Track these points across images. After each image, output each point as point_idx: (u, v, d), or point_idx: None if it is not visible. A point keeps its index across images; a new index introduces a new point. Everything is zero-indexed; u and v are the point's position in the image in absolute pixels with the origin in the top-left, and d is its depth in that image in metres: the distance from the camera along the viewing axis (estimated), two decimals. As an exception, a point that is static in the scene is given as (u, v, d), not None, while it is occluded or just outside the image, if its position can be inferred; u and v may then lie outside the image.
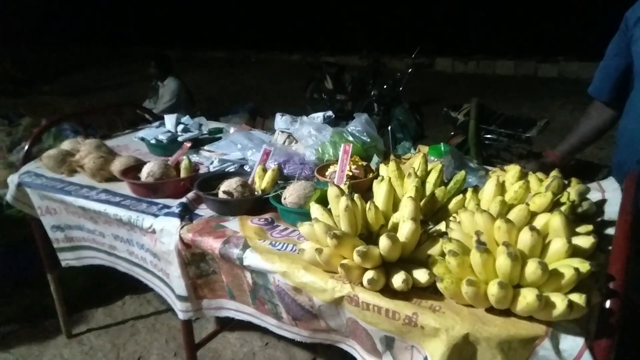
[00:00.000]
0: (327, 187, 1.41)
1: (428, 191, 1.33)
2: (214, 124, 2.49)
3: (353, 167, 1.62)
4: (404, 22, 11.10)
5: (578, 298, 0.91)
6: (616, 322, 0.93)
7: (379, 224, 1.19)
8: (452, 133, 4.07)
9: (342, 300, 1.11)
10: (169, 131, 2.13)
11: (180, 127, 2.16)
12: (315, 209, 1.24)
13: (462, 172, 1.39)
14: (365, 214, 1.19)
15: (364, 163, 1.69)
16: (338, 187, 1.23)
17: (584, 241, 1.04)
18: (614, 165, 1.61)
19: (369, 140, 1.78)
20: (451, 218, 1.23)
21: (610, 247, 1.14)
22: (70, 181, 1.82)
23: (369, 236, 1.19)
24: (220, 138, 2.22)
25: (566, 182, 1.39)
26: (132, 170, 1.75)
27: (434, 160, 1.57)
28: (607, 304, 0.94)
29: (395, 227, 1.16)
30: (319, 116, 2.08)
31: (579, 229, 1.14)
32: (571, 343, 0.93)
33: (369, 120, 1.85)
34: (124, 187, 1.74)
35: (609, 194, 1.45)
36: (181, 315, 1.50)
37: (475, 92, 6.31)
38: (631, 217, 1.08)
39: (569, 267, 0.93)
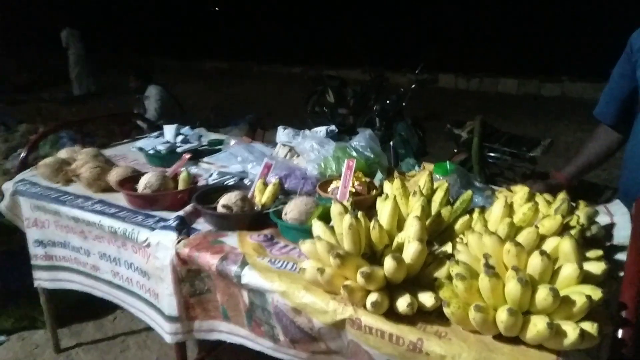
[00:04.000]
0: (330, 203, 1.37)
1: (434, 210, 1.29)
2: (213, 135, 2.46)
3: (356, 183, 1.59)
4: (408, 37, 11.18)
5: (590, 327, 0.88)
6: (629, 352, 0.89)
7: (383, 243, 1.15)
8: (455, 150, 4.04)
9: (344, 323, 1.06)
10: (167, 142, 2.10)
11: (180, 137, 2.13)
12: (317, 226, 1.20)
13: (469, 192, 1.35)
14: (369, 233, 1.15)
15: (367, 179, 1.65)
16: (342, 204, 1.20)
17: (595, 267, 1.00)
18: (621, 189, 1.58)
19: (372, 156, 1.75)
20: (458, 239, 1.19)
21: (620, 274, 1.11)
22: (66, 191, 1.78)
23: (373, 256, 1.15)
24: (220, 150, 2.19)
25: (573, 204, 1.37)
26: (129, 181, 1.71)
27: (439, 179, 1.54)
28: (620, 333, 0.90)
29: (400, 248, 1.12)
30: (321, 130, 2.05)
31: (589, 254, 1.10)
32: (582, 374, 0.88)
33: (373, 136, 1.82)
34: (120, 199, 1.69)
35: (618, 217, 1.41)
36: (169, 338, 1.44)
37: (478, 109, 6.31)
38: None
39: (581, 295, 0.89)
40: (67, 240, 1.71)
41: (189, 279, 1.37)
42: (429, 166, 1.75)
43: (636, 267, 0.97)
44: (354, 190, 1.56)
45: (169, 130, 2.15)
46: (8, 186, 1.90)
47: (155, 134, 2.21)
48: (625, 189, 1.53)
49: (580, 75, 7.70)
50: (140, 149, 2.07)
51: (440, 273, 1.06)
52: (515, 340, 0.93)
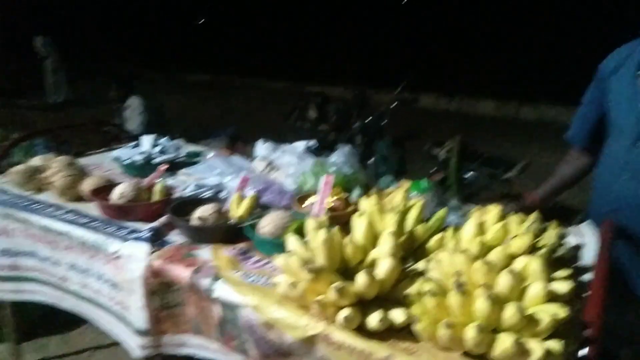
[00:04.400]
0: (306, 218, 1.38)
1: (408, 227, 1.31)
2: (192, 147, 2.44)
3: (333, 199, 1.60)
4: (391, 56, 11.38)
5: (555, 345, 0.89)
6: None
7: (357, 259, 1.16)
8: (434, 169, 4.10)
9: (315, 338, 1.06)
10: (144, 152, 2.07)
11: (157, 148, 2.12)
12: (291, 241, 1.20)
13: (443, 210, 1.37)
14: (343, 249, 1.15)
15: (345, 195, 1.66)
16: (317, 219, 1.20)
17: (563, 286, 1.02)
18: (590, 211, 1.62)
19: (351, 172, 1.76)
20: (431, 256, 1.20)
21: (585, 294, 1.14)
22: (37, 199, 1.74)
23: (346, 272, 1.15)
24: (197, 162, 2.18)
25: (545, 224, 1.40)
26: (103, 191, 1.68)
27: (415, 196, 1.55)
28: (583, 352, 0.92)
29: (373, 263, 1.13)
30: (301, 145, 2.06)
31: (557, 273, 1.12)
32: (547, 391, 0.89)
33: (353, 152, 1.84)
34: (93, 209, 1.66)
35: (587, 238, 1.45)
36: (137, 353, 1.40)
37: (458, 129, 6.40)
38: (607, 266, 1.08)
39: (547, 313, 0.91)
40: (35, 250, 1.66)
41: (161, 292, 1.35)
42: (406, 183, 1.77)
43: (601, 287, 1.00)
44: (331, 206, 1.57)
45: (146, 140, 2.13)
46: (-23, 193, 1.85)
47: (133, 143, 2.18)
48: (594, 211, 1.57)
49: (556, 99, 7.93)
50: (116, 159, 2.04)
51: (412, 290, 1.06)
52: (483, 357, 0.94)
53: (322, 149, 2.31)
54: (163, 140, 2.19)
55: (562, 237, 1.35)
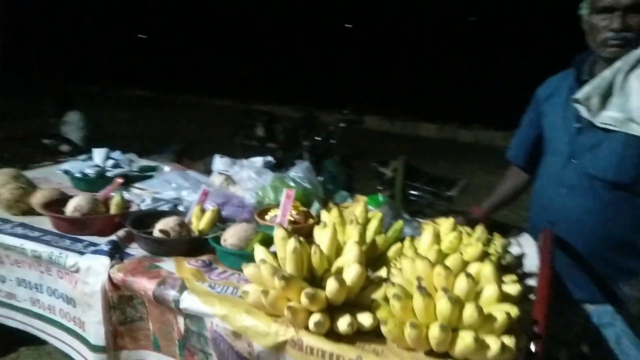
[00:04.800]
0: (269, 231, 1.42)
1: (369, 238, 1.37)
2: (144, 162, 2.41)
3: (294, 212, 1.64)
4: (336, 79, 11.72)
5: (509, 341, 0.98)
6: (540, 364, 1.00)
7: (323, 268, 1.20)
8: (379, 188, 4.24)
9: (285, 345, 1.08)
10: (97, 165, 2.03)
11: (110, 162, 2.07)
12: (259, 251, 1.23)
13: (400, 222, 1.45)
14: (310, 258, 1.19)
15: (304, 209, 1.71)
16: (285, 229, 1.24)
17: (512, 288, 1.12)
18: (530, 224, 1.77)
19: (309, 186, 1.82)
20: (391, 264, 1.27)
21: (531, 296, 1.25)
22: (-20, 213, 1.65)
23: (313, 280, 1.19)
24: (151, 176, 2.15)
25: (490, 236, 1.51)
26: (55, 204, 1.63)
27: (372, 210, 1.63)
28: (532, 346, 1.01)
29: (338, 272, 1.17)
30: (258, 160, 2.09)
31: (505, 278, 1.22)
32: (502, 385, 0.97)
33: (310, 168, 1.90)
34: (43, 222, 1.61)
35: (527, 249, 1.58)
36: None
37: (400, 150, 6.67)
38: (550, 269, 1.19)
39: (501, 312, 1.00)
40: (-23, 267, 1.57)
41: (120, 306, 1.32)
42: (362, 198, 1.85)
43: (546, 289, 1.10)
44: (292, 219, 1.61)
45: (98, 153, 2.08)
46: None
47: (83, 157, 2.12)
48: (533, 224, 1.71)
49: (491, 124, 8.48)
50: (66, 172, 1.98)
51: (377, 295, 1.12)
52: (445, 355, 1.01)
53: (273, 167, 2.36)
54: (115, 154, 2.14)
55: (506, 246, 1.47)
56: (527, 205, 1.82)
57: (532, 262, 1.48)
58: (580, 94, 1.39)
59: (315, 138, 5.08)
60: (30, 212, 1.67)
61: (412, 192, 4.10)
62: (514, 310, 1.01)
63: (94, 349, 1.33)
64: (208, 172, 2.22)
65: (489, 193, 1.97)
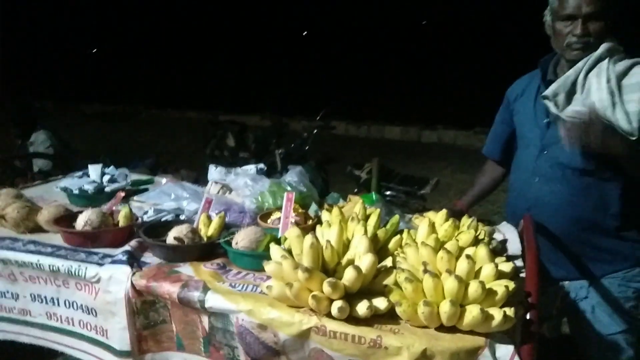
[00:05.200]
0: (274, 233, 1.53)
1: (370, 233, 1.50)
2: (135, 176, 2.45)
3: (293, 214, 1.75)
4: (302, 87, 11.90)
5: (509, 311, 1.12)
6: (535, 329, 1.16)
7: (334, 261, 1.31)
8: (356, 190, 4.39)
9: (309, 331, 1.19)
10: (94, 181, 2.07)
11: (107, 177, 2.12)
12: (275, 250, 1.33)
13: (397, 216, 1.59)
14: (322, 252, 1.31)
15: (303, 211, 1.82)
16: (299, 228, 1.34)
17: (506, 266, 1.27)
18: (508, 212, 1.94)
19: (305, 190, 1.93)
20: (395, 254, 1.40)
21: (519, 274, 1.41)
22: (-15, 233, 1.68)
23: (326, 273, 1.31)
24: (147, 189, 2.21)
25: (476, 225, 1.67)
26: (63, 220, 1.68)
27: (367, 207, 1.76)
28: (528, 315, 1.17)
29: (350, 263, 1.29)
30: (251, 168, 2.19)
31: (497, 259, 1.37)
32: (504, 351, 1.11)
33: (304, 172, 2.01)
34: (52, 238, 1.65)
35: (509, 235, 1.74)
36: None
37: (369, 153, 6.87)
38: (536, 248, 1.36)
39: (500, 286, 1.14)
40: (-16, 286, 1.60)
41: (144, 311, 1.40)
42: (355, 198, 1.97)
43: (534, 264, 1.26)
44: (293, 220, 1.72)
45: (94, 170, 2.13)
46: None
47: (79, 173, 2.16)
48: (511, 212, 1.88)
49: (453, 124, 8.84)
50: (64, 189, 2.01)
51: (388, 281, 1.25)
52: (453, 329, 1.15)
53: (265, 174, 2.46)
54: (110, 169, 2.19)
55: (491, 233, 1.63)
56: (494, 200, 2.00)
57: (514, 246, 1.64)
58: (548, 91, 1.57)
59: (292, 145, 5.20)
60: (37, 229, 1.71)
61: (387, 192, 4.28)
62: (510, 284, 1.16)
63: (120, 354, 1.40)
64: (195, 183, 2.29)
65: (458, 190, 2.16)
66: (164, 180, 2.18)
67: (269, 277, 1.31)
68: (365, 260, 1.23)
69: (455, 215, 1.77)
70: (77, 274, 1.44)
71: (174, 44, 15.88)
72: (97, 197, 1.98)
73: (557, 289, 1.77)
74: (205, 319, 1.33)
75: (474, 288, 1.12)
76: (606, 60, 1.49)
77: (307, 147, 5.19)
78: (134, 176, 2.42)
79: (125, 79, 14.97)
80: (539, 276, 1.23)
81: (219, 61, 14.70)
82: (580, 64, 1.53)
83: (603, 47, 1.50)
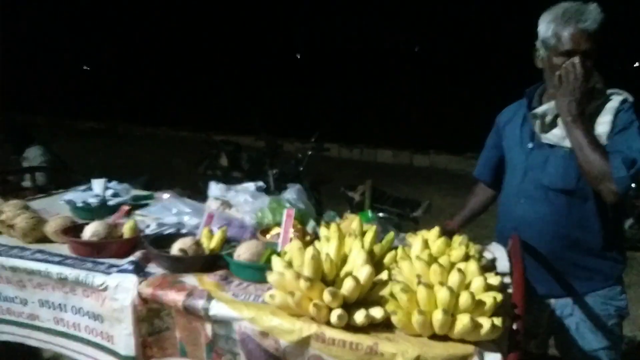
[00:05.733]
0: (273, 247, 1.61)
1: (366, 248, 1.57)
2: (135, 191, 2.52)
3: (292, 230, 1.82)
4: (298, 108, 12.10)
5: (497, 320, 1.20)
6: (521, 339, 1.23)
7: (333, 273, 1.39)
8: (349, 210, 4.48)
9: (309, 339, 1.26)
10: (97, 195, 2.13)
11: (110, 191, 2.18)
12: (277, 261, 1.40)
13: (392, 233, 1.67)
14: (322, 264, 1.38)
15: (302, 227, 1.89)
16: (299, 238, 1.42)
17: (494, 280, 1.35)
18: (497, 232, 2.03)
19: (303, 207, 2.01)
20: (390, 267, 1.48)
21: (507, 290, 1.49)
22: (-5, 242, 1.73)
23: (325, 284, 1.38)
24: (147, 204, 2.27)
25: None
26: (70, 231, 1.74)
27: (363, 224, 1.84)
28: (514, 325, 1.25)
29: (347, 276, 1.36)
30: (250, 185, 2.27)
31: (486, 274, 1.46)
32: (492, 358, 1.19)
33: (302, 190, 2.10)
34: (58, 248, 1.70)
35: (498, 254, 1.82)
36: None
37: (361, 176, 6.99)
38: (523, 264, 1.44)
39: (489, 297, 1.22)
40: (-4, 292, 1.65)
41: (149, 319, 1.45)
42: (351, 216, 2.05)
43: (521, 278, 1.35)
44: (292, 236, 1.79)
45: (97, 184, 2.19)
46: None
47: (83, 187, 2.22)
48: (500, 231, 1.98)
49: (445, 148, 9.04)
50: (69, 202, 2.07)
51: (385, 292, 1.32)
52: (445, 338, 1.22)
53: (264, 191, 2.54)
54: (113, 184, 2.26)
55: (481, 251, 1.72)
56: (485, 224, 2.08)
57: (503, 263, 1.73)
58: (538, 110, 1.69)
59: (286, 166, 5.29)
60: (43, 239, 1.76)
61: (380, 214, 4.37)
62: (499, 296, 1.24)
63: (124, 359, 1.45)
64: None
65: (449, 213, 2.26)
66: (165, 196, 2.25)
67: (269, 289, 1.37)
68: (363, 271, 1.30)
69: (447, 234, 1.86)
70: (84, 281, 1.50)
71: (168, 63, 16.07)
72: (100, 210, 2.04)
73: (544, 307, 1.85)
74: (208, 327, 1.38)
75: (464, 298, 1.20)
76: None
77: (301, 168, 5.28)
78: (134, 192, 2.49)
79: (119, 97, 15.08)
80: (525, 290, 1.32)
81: (213, 81, 14.89)
82: None
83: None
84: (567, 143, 1.66)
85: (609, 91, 1.69)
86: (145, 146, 10.80)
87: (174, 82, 15.46)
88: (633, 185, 1.58)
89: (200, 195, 2.35)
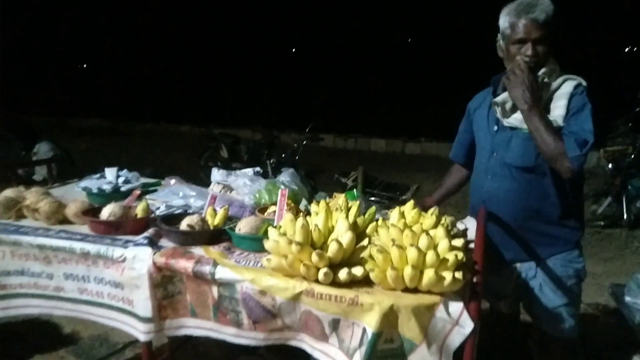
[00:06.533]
0: (269, 222, 1.82)
1: (351, 219, 1.79)
2: (143, 179, 2.74)
3: (286, 208, 2.04)
4: (293, 101, 12.29)
5: (458, 274, 1.42)
6: (480, 291, 1.46)
7: (321, 241, 1.61)
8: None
9: (300, 295, 1.48)
10: (110, 182, 2.35)
11: (121, 179, 2.40)
12: (272, 232, 1.63)
13: (373, 207, 1.90)
14: (311, 234, 1.61)
15: (295, 205, 2.11)
16: (293, 214, 1.65)
17: (458, 242, 1.58)
18: (470, 208, 2.25)
19: (296, 188, 2.23)
20: (372, 235, 1.71)
21: (471, 246, 1.71)
22: (22, 224, 1.95)
23: (314, 250, 1.60)
24: (155, 190, 2.49)
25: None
26: (88, 213, 1.96)
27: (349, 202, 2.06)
28: (474, 279, 1.47)
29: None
30: (249, 171, 2.49)
31: (453, 241, 1.68)
32: (455, 307, 1.41)
33: (295, 174, 2.32)
34: (78, 228, 1.93)
35: (469, 225, 2.05)
36: (143, 337, 1.71)
37: (355, 164, 7.22)
38: (484, 227, 1.67)
39: (452, 254, 1.45)
40: (25, 268, 1.86)
41: (163, 284, 1.68)
42: (339, 195, 2.28)
43: (481, 239, 1.57)
44: (286, 213, 2.01)
45: (110, 172, 2.41)
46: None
47: (97, 175, 2.44)
48: (472, 207, 2.20)
49: (435, 136, 9.25)
50: (84, 188, 2.29)
51: (365, 254, 1.54)
52: (415, 290, 1.44)
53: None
54: (124, 172, 2.47)
55: (454, 222, 1.94)
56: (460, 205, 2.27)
57: (473, 232, 1.95)
58: (498, 98, 1.91)
59: (283, 155, 5.51)
60: (64, 221, 1.98)
61: (371, 198, 4.60)
62: (460, 254, 1.46)
63: (143, 320, 1.68)
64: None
65: (440, 185, 2.48)
66: (172, 181, 2.47)
67: (266, 257, 1.59)
68: (345, 236, 1.53)
69: (425, 209, 2.08)
70: (105, 254, 1.72)
71: (166, 61, 16.22)
72: (114, 195, 2.26)
73: (511, 271, 2.07)
74: (214, 289, 1.61)
75: (430, 256, 1.43)
76: (545, 79, 1.84)
77: (297, 157, 5.50)
78: (142, 179, 2.70)
79: (119, 94, 15.24)
80: (484, 249, 1.54)
81: (210, 77, 15.07)
82: None
83: (546, 69, 1.85)
84: (526, 126, 1.88)
85: (564, 77, 1.90)
86: (146, 141, 11.01)
87: (172, 79, 15.63)
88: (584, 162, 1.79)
89: (202, 184, 2.57)
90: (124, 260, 1.70)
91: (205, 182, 2.57)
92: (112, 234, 1.86)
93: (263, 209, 2.08)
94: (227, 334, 1.66)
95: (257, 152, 6.79)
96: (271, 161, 5.63)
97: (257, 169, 2.53)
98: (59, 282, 1.83)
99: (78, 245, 1.77)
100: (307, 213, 2.05)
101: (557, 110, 1.85)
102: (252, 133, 9.32)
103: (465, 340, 1.40)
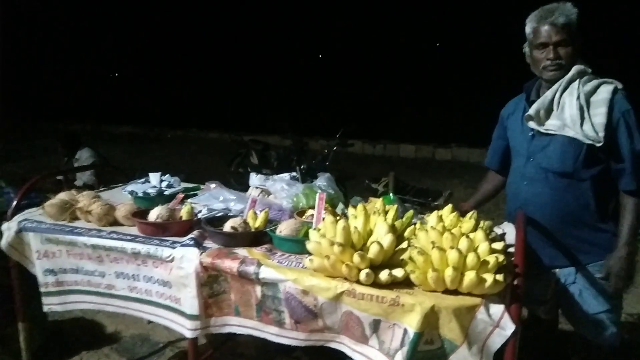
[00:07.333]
0: (308, 225, 1.87)
1: (389, 222, 1.83)
2: (184, 184, 2.84)
3: (324, 211, 2.10)
4: (322, 108, 12.41)
5: (499, 277, 1.44)
6: (521, 293, 1.47)
7: (361, 243, 1.65)
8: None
9: (342, 295, 1.53)
10: (155, 186, 2.46)
11: (165, 183, 2.50)
12: (313, 234, 1.68)
13: (411, 211, 1.93)
14: (352, 235, 1.65)
15: (332, 209, 2.16)
16: (333, 216, 1.70)
17: (498, 245, 1.60)
18: (506, 213, 2.25)
19: (333, 192, 2.29)
20: (410, 238, 1.74)
21: (510, 250, 1.72)
22: (76, 226, 2.06)
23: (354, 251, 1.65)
24: (196, 194, 2.59)
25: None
26: (136, 215, 2.05)
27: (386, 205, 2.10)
28: (515, 281, 1.49)
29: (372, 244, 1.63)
30: (285, 175, 2.56)
31: (492, 244, 1.70)
32: (496, 309, 1.43)
33: (332, 178, 2.38)
34: (127, 230, 2.02)
35: (507, 229, 2.05)
36: (189, 334, 1.79)
37: (384, 170, 7.23)
38: (524, 231, 1.68)
39: (492, 257, 1.47)
40: (79, 266, 1.98)
41: (209, 283, 1.75)
42: (374, 200, 2.32)
43: (521, 243, 1.58)
44: (324, 216, 2.07)
45: (154, 177, 2.52)
46: (11, 225, 2.12)
47: (142, 180, 2.55)
48: (508, 212, 2.20)
49: (466, 142, 9.17)
50: (131, 192, 2.40)
51: (405, 256, 1.58)
52: (455, 292, 1.47)
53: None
54: (166, 177, 2.58)
55: (491, 226, 1.96)
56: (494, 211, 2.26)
57: (510, 237, 1.96)
58: (531, 111, 1.93)
59: (313, 161, 5.57)
60: (114, 223, 2.08)
61: (403, 204, 4.61)
62: (500, 257, 1.48)
63: (190, 317, 1.75)
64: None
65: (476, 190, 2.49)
66: (212, 186, 2.55)
67: (307, 258, 1.64)
68: (386, 238, 1.57)
69: (461, 214, 2.10)
70: (154, 254, 1.81)
71: (197, 68, 16.62)
72: (158, 199, 2.36)
73: (550, 276, 2.06)
74: (258, 289, 1.67)
75: (470, 258, 1.45)
76: (577, 81, 1.86)
77: (327, 163, 5.56)
78: (183, 184, 2.81)
79: (151, 101, 15.67)
80: (524, 252, 1.56)
81: (241, 84, 15.34)
82: (556, 85, 1.88)
83: (574, 70, 1.87)
84: (565, 132, 1.88)
85: (599, 80, 1.89)
86: (177, 148, 11.27)
87: (202, 86, 15.99)
88: None
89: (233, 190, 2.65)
90: (172, 260, 1.78)
91: (236, 188, 2.65)
92: (160, 235, 1.94)
93: (301, 212, 2.14)
94: (269, 333, 1.71)
95: (287, 158, 6.88)
96: (301, 167, 5.70)
97: (293, 173, 2.59)
98: (111, 280, 1.93)
99: (129, 246, 1.86)
100: (344, 217, 2.10)
101: (597, 118, 1.83)
102: (281, 139, 9.43)
103: (505, 343, 1.41)
